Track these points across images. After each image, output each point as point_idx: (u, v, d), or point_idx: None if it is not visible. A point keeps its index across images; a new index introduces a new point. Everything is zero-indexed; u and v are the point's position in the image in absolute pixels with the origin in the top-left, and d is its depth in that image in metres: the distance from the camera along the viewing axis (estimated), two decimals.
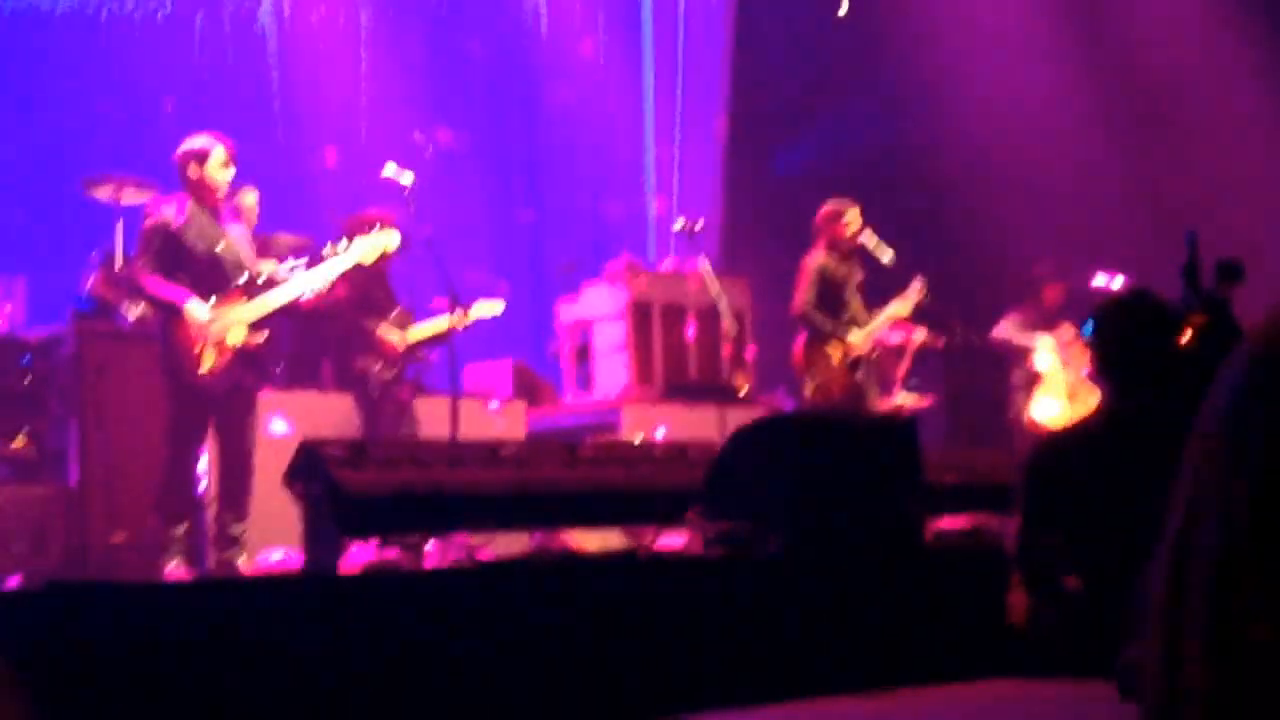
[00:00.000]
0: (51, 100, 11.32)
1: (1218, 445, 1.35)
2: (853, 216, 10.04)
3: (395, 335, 9.08)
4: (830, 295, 9.96)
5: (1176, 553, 1.37)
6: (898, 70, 13.51)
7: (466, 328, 9.05)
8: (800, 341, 10.01)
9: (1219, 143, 12.35)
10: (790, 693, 5.13)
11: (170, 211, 7.83)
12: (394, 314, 9.22)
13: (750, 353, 10.93)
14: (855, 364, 9.90)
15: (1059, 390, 11.17)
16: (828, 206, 10.11)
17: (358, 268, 8.55)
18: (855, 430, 6.46)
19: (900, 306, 10.12)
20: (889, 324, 10.11)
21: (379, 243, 8.38)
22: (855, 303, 10.07)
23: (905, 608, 5.89)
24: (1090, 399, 10.21)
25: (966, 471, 7.45)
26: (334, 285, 8.45)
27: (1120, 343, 4.78)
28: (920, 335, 10.26)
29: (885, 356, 10.28)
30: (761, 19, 14.18)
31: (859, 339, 9.91)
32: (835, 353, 9.89)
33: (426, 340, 9.23)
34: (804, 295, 9.94)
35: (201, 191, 7.88)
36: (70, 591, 4.79)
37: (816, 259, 10.00)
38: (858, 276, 10.14)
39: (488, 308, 9.33)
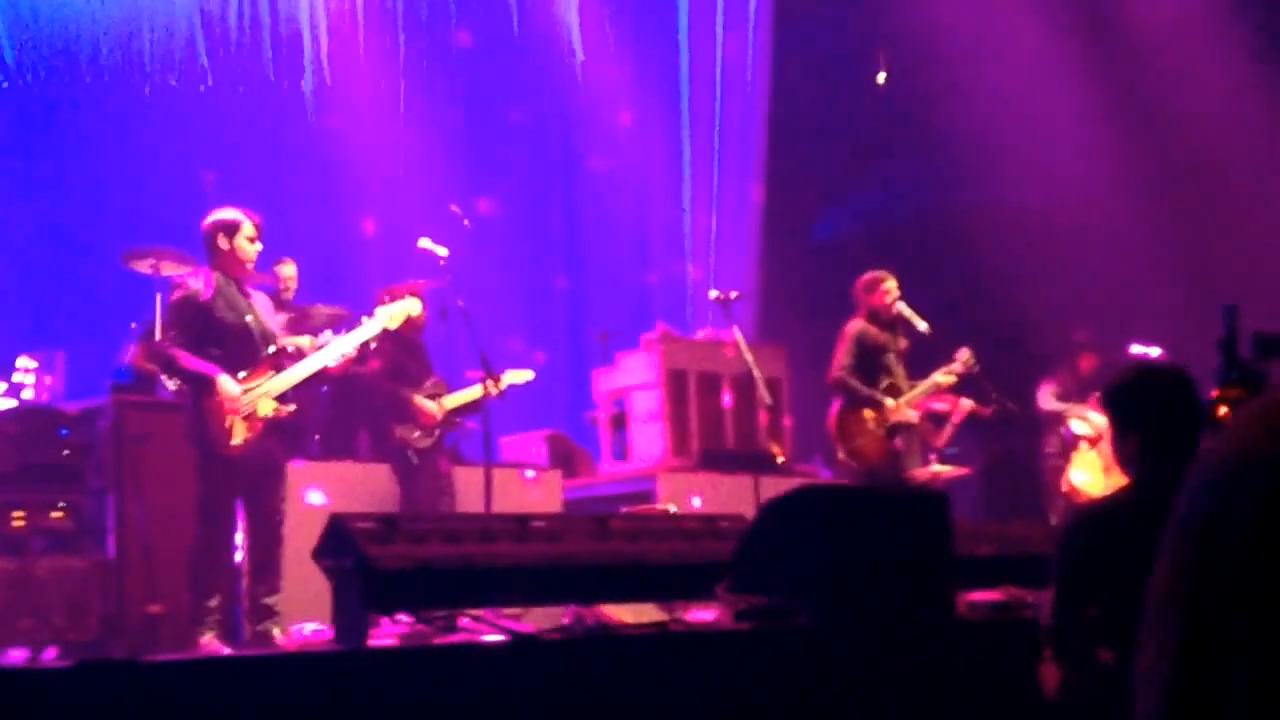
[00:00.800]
0: (92, 174, 11.47)
1: (1188, 550, 1.36)
2: (891, 285, 10.05)
3: (432, 405, 9.13)
4: (869, 362, 9.95)
5: (1189, 664, 1.36)
6: (935, 140, 13.55)
7: (500, 395, 9.09)
8: (835, 408, 10.00)
9: (1259, 213, 12.32)
10: None
11: (198, 284, 7.91)
12: (429, 384, 9.28)
13: (786, 421, 10.94)
14: (893, 430, 9.87)
15: (1095, 460, 11.11)
16: (866, 276, 10.13)
17: (392, 338, 8.61)
18: (886, 502, 6.44)
19: (944, 376, 10.09)
20: (930, 393, 10.08)
21: (402, 308, 8.46)
22: (897, 371, 10.05)
23: (937, 680, 5.85)
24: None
25: (999, 543, 7.41)
26: (369, 356, 8.51)
27: (1144, 416, 4.77)
28: (967, 404, 10.22)
29: (929, 423, 10.25)
30: (798, 89, 14.25)
31: (896, 406, 9.89)
32: (871, 418, 9.87)
33: (461, 408, 9.29)
34: (841, 360, 9.94)
35: (229, 264, 7.96)
36: (102, 669, 4.81)
37: (856, 326, 10.01)
38: (900, 345, 10.13)
39: (518, 376, 9.39)
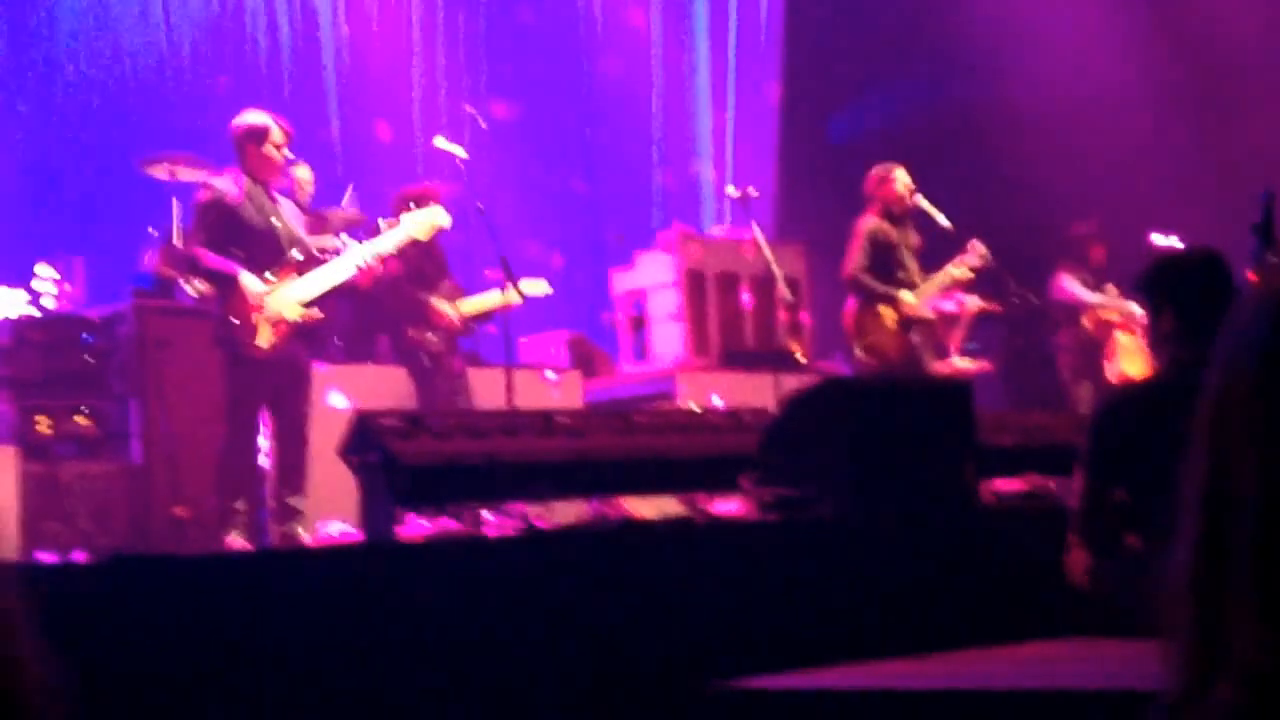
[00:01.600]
0: (105, 81, 11.41)
1: (1246, 391, 1.34)
2: (901, 176, 9.97)
3: (448, 308, 9.13)
4: (883, 258, 9.89)
5: (1208, 511, 1.34)
6: (951, 35, 13.42)
7: (517, 304, 9.08)
8: (851, 305, 9.96)
9: None
10: (847, 655, 5.13)
11: (226, 187, 7.90)
12: (445, 286, 9.27)
13: (806, 318, 10.92)
14: (908, 325, 9.85)
15: (1135, 344, 10.92)
16: (875, 170, 10.05)
17: (413, 242, 8.59)
18: (909, 394, 6.45)
19: (957, 270, 10.03)
20: (945, 287, 10.02)
21: (429, 219, 8.38)
22: (911, 266, 10.00)
23: (961, 569, 5.88)
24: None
25: (1022, 433, 7.43)
26: (387, 260, 8.50)
27: (1181, 296, 4.76)
28: (974, 302, 10.15)
29: (941, 323, 10.21)
30: None
31: (912, 300, 9.85)
32: (887, 315, 9.83)
33: (477, 315, 9.28)
34: (855, 258, 9.88)
35: (257, 168, 7.95)
36: (134, 564, 4.85)
37: (868, 223, 9.94)
38: (913, 240, 10.07)
39: (534, 287, 9.34)
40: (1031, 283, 10.94)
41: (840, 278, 10.02)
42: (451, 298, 9.23)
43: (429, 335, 9.07)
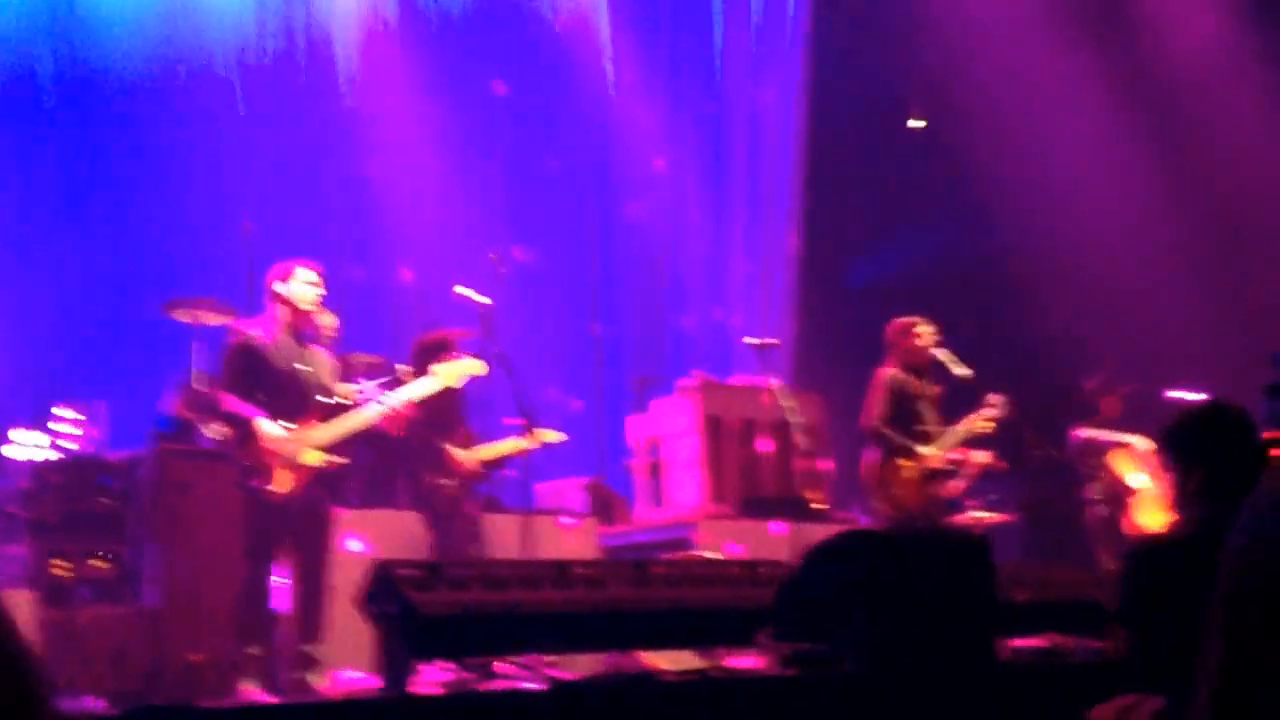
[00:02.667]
0: (130, 224, 11.55)
1: (1226, 581, 1.37)
2: (925, 330, 10.02)
3: (464, 454, 9.16)
4: (903, 409, 9.90)
5: (1225, 683, 1.36)
6: (970, 184, 13.56)
7: (533, 451, 9.11)
8: (871, 456, 9.95)
9: None
10: None
11: (255, 330, 7.99)
12: (460, 433, 9.30)
13: (826, 466, 10.91)
14: (928, 477, 9.83)
15: (1157, 500, 10.90)
16: (899, 321, 10.10)
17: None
18: (928, 547, 6.43)
19: (978, 422, 10.02)
20: (965, 440, 9.99)
21: (463, 368, 8.50)
22: (930, 417, 10.00)
23: None
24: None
25: (1042, 588, 7.39)
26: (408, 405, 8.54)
27: (1210, 454, 4.76)
28: (980, 457, 10.09)
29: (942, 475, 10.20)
30: (833, 134, 14.29)
31: (933, 453, 9.84)
32: (907, 466, 9.82)
33: (493, 461, 9.31)
34: (875, 409, 9.89)
35: (287, 311, 8.03)
36: (152, 716, 4.84)
37: (888, 373, 9.97)
38: (933, 391, 10.08)
39: (551, 436, 9.37)
40: (1050, 434, 10.94)
41: (860, 428, 10.02)
42: (466, 444, 9.26)
43: (445, 481, 9.09)
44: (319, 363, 8.14)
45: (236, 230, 9.95)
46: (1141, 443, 11.09)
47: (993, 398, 10.05)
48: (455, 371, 8.45)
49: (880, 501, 9.84)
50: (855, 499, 11.04)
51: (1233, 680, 1.36)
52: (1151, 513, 10.86)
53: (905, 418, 9.88)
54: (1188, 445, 4.87)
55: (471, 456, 9.18)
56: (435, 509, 9.05)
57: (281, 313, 8.04)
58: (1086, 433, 11.36)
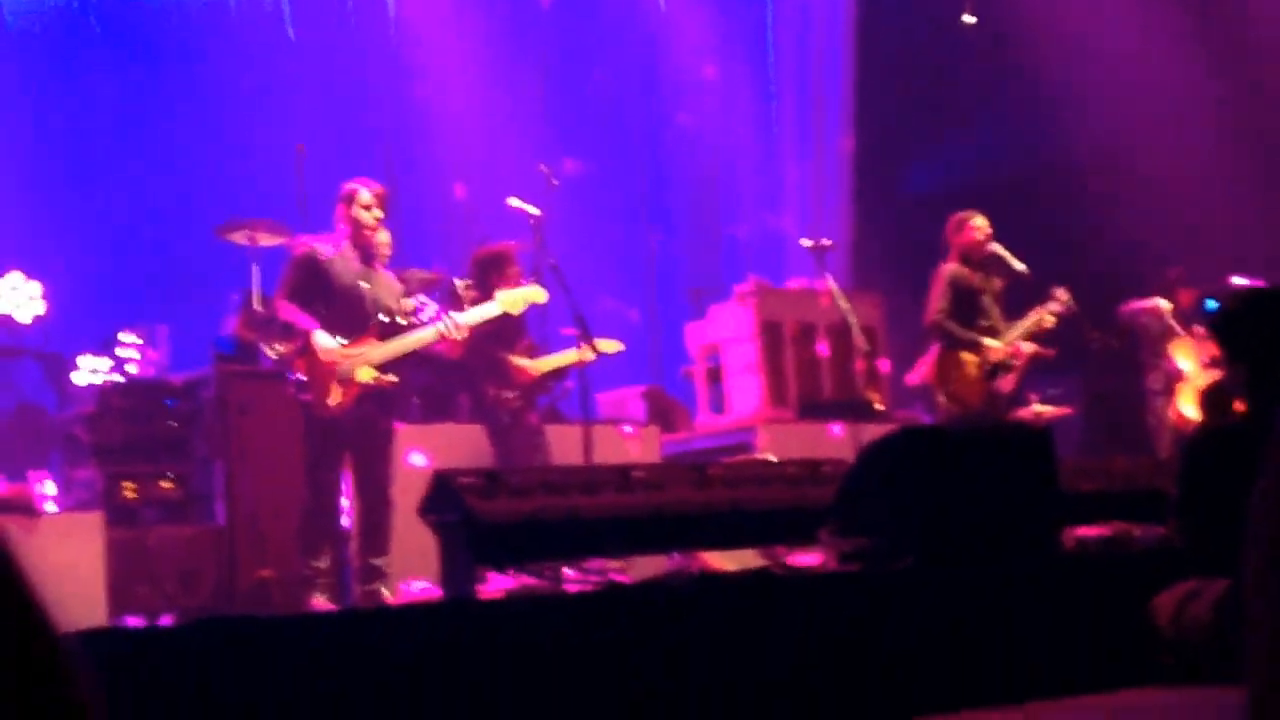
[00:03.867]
0: (186, 148, 11.59)
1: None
2: (980, 222, 9.95)
3: (527, 363, 9.19)
4: (965, 304, 9.85)
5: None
6: (1027, 83, 13.40)
7: (592, 362, 9.14)
8: (933, 352, 9.93)
9: None
10: (928, 707, 5.10)
11: (321, 246, 8.06)
12: (523, 345, 9.33)
13: (884, 367, 10.89)
14: (993, 371, 9.79)
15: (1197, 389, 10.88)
16: (955, 216, 10.05)
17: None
18: (988, 441, 6.40)
19: (1042, 315, 9.96)
20: (1030, 334, 9.94)
21: (524, 296, 8.56)
22: (994, 312, 9.95)
23: (1043, 618, 5.83)
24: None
25: (1104, 478, 7.36)
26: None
27: (1254, 338, 4.71)
28: (1028, 348, 10.03)
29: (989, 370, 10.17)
30: (886, 37, 14.14)
31: (997, 345, 9.80)
32: (970, 361, 9.79)
33: (554, 372, 9.33)
34: (937, 304, 9.85)
35: (352, 232, 8.09)
36: (220, 626, 4.90)
37: (949, 269, 9.92)
38: (995, 286, 10.02)
39: (608, 346, 9.37)
40: (1112, 328, 10.87)
41: (922, 324, 9.99)
42: (529, 356, 9.29)
43: (507, 393, 9.12)
44: (382, 283, 8.20)
45: (289, 152, 9.97)
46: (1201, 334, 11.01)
47: (1057, 291, 9.99)
48: (517, 298, 8.53)
49: (942, 397, 9.82)
50: (915, 399, 11.02)
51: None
52: (1194, 403, 10.79)
53: (967, 312, 9.84)
54: (1231, 335, 4.82)
55: (533, 367, 9.21)
56: (498, 421, 9.09)
57: (347, 231, 8.11)
58: (1157, 325, 11.27)
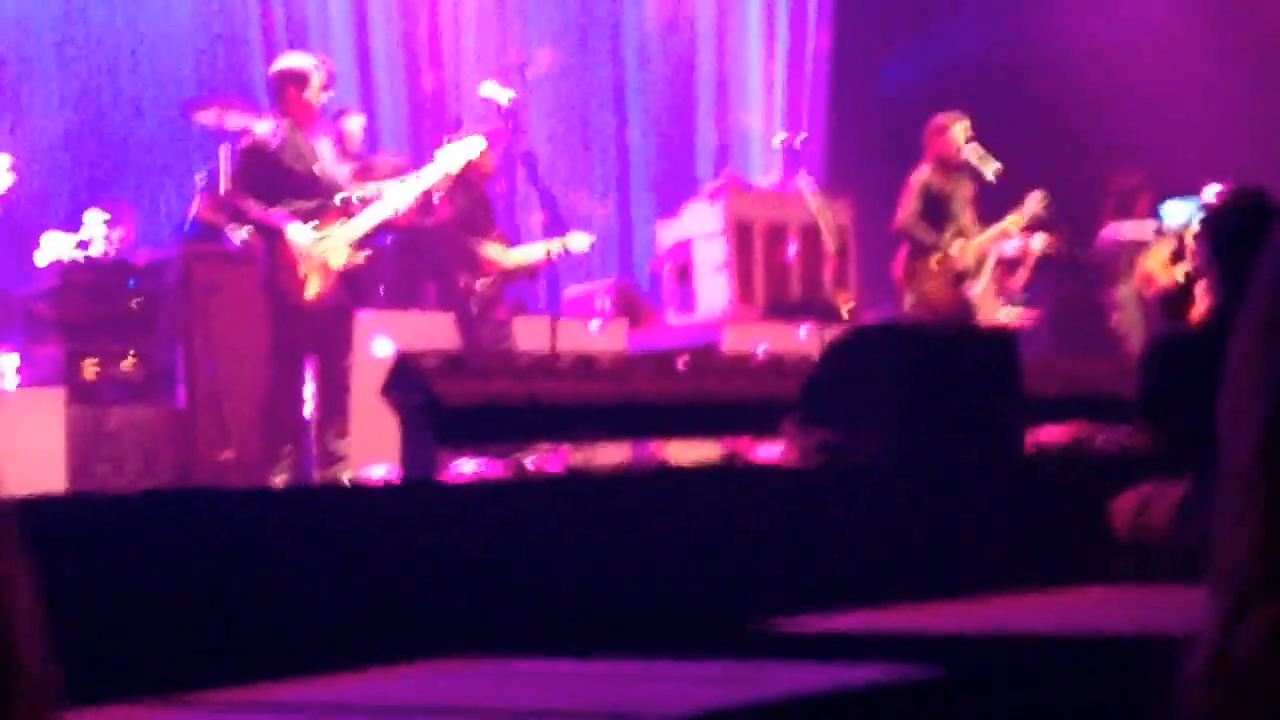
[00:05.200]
0: (151, 26, 11.39)
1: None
2: (960, 129, 9.91)
3: (497, 253, 9.12)
4: (935, 210, 9.85)
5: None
6: None
7: (560, 256, 9.07)
8: (901, 255, 9.93)
9: None
10: (886, 599, 5.12)
11: (267, 133, 7.91)
12: (494, 234, 9.26)
13: (854, 270, 10.86)
14: (960, 276, 9.80)
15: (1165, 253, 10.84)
16: (936, 120, 10.00)
17: (462, 187, 8.59)
18: (953, 340, 6.41)
19: (1014, 220, 9.97)
20: (1000, 237, 9.96)
21: (463, 150, 8.30)
22: (965, 217, 9.95)
23: (1004, 516, 5.85)
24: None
25: (1068, 382, 7.38)
26: (437, 205, 8.49)
27: (1234, 237, 4.70)
28: (1039, 241, 10.08)
29: (1004, 266, 10.18)
30: None
31: (963, 251, 9.79)
32: (937, 265, 9.79)
33: (523, 266, 9.27)
34: (907, 209, 9.86)
35: (298, 113, 7.94)
36: (176, 498, 4.88)
37: (922, 174, 9.91)
38: (967, 191, 10.01)
39: (576, 241, 9.29)
40: (1083, 234, 10.86)
41: (891, 228, 9.98)
42: (501, 245, 9.21)
43: (479, 282, 9.05)
44: (331, 160, 8.08)
45: (258, 30, 9.84)
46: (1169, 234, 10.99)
47: (1031, 195, 9.97)
48: (453, 154, 8.27)
49: (911, 300, 9.83)
50: (886, 301, 11.00)
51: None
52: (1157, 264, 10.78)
53: (937, 217, 9.84)
54: (1206, 236, 4.82)
55: (504, 259, 9.14)
56: (466, 310, 9.03)
57: (291, 110, 7.95)
58: (1116, 233, 11.25)
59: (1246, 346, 1.35)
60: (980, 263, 9.88)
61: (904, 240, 9.91)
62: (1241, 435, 1.28)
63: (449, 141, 8.75)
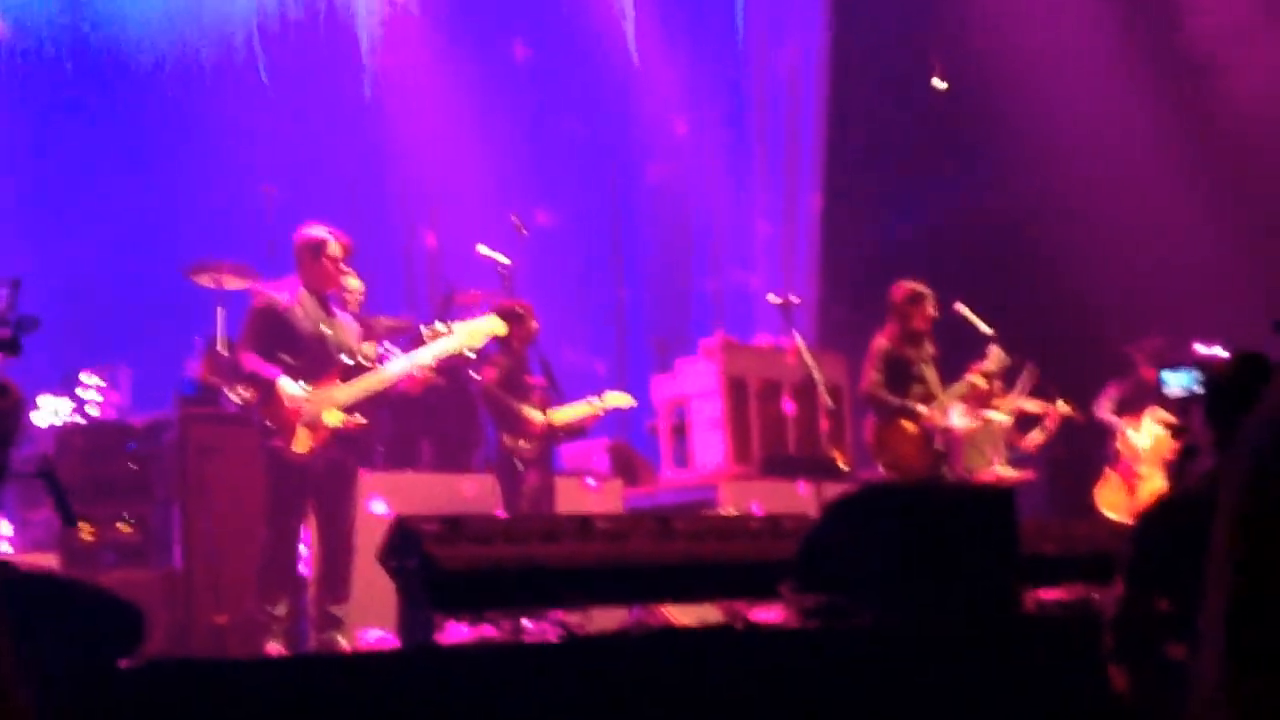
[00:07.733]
0: (152, 190, 11.55)
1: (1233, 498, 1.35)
2: (925, 298, 9.98)
3: (538, 415, 9.13)
4: (898, 375, 9.89)
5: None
6: (993, 145, 13.48)
7: (603, 414, 9.21)
8: (871, 421, 9.97)
9: None
10: None
11: (279, 295, 7.99)
12: (535, 396, 9.26)
13: (849, 428, 10.89)
14: (930, 436, 9.82)
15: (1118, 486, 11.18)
16: (907, 288, 10.03)
17: (505, 349, 8.71)
18: (951, 500, 6.41)
19: (976, 377, 10.01)
20: (965, 396, 9.98)
21: (484, 327, 8.38)
22: (929, 378, 9.98)
23: (1004, 679, 5.81)
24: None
25: (1065, 542, 7.37)
26: (484, 367, 8.61)
27: (1229, 403, 4.72)
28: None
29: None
30: (856, 95, 14.21)
31: (930, 411, 9.81)
32: (909, 427, 9.82)
33: (568, 424, 9.31)
34: (869, 374, 9.92)
35: (313, 279, 8.05)
36: (171, 669, 4.84)
37: (881, 343, 9.96)
38: (928, 354, 10.05)
39: (619, 399, 9.40)
40: (1075, 393, 10.93)
41: (858, 394, 10.06)
42: (541, 407, 9.21)
43: (521, 442, 9.07)
44: (343, 326, 8.16)
45: (258, 195, 9.95)
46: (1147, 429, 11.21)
47: (990, 349, 10.03)
48: (475, 330, 8.35)
49: (884, 465, 9.84)
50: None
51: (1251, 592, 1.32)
52: (1112, 497, 11.03)
53: (901, 381, 9.87)
54: (1210, 400, 4.84)
55: (546, 419, 9.15)
56: (511, 470, 9.00)
57: (306, 277, 8.05)
58: (1106, 413, 11.41)
59: (1220, 533, 1.40)
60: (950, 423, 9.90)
61: (870, 405, 9.95)
62: (1215, 598, 1.33)
63: (447, 299, 8.82)
